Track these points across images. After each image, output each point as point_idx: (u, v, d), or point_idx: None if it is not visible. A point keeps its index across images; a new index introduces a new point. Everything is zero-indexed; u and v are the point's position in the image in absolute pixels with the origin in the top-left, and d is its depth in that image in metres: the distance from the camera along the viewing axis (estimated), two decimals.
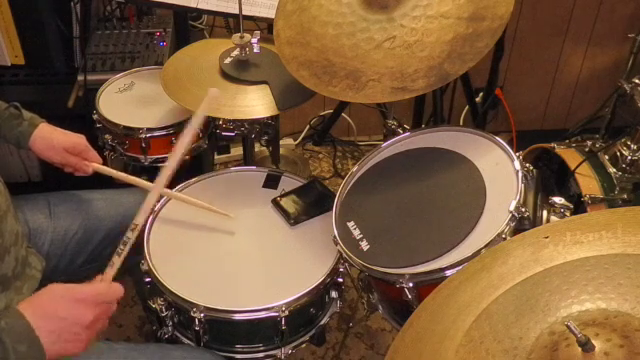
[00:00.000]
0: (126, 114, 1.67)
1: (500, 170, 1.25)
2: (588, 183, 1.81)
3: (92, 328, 0.99)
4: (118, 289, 1.02)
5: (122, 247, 1.08)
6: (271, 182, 1.55)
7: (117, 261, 1.07)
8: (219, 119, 1.69)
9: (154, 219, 1.43)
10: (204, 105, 1.13)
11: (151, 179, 1.76)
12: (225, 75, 1.57)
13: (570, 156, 1.87)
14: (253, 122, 1.68)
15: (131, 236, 1.08)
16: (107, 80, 1.80)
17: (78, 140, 1.44)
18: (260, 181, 1.55)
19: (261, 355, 1.31)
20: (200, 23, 2.47)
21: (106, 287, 1.02)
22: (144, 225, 1.40)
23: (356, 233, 1.27)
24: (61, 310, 0.97)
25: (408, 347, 0.92)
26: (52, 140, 1.41)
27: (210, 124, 1.71)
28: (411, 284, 1.15)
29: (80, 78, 1.90)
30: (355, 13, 1.37)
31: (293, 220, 1.43)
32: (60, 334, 0.96)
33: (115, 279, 1.07)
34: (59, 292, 0.99)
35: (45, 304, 0.98)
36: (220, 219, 1.44)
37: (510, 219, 1.14)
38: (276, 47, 1.44)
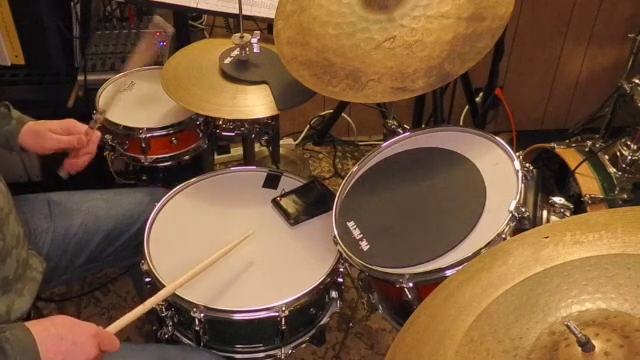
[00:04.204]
0: (126, 114, 1.67)
1: (500, 170, 1.25)
2: (588, 183, 1.81)
3: None
4: (117, 343, 1.08)
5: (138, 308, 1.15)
6: (271, 182, 1.55)
7: (129, 317, 1.12)
8: (219, 119, 1.69)
9: (154, 219, 1.43)
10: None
11: (151, 179, 1.77)
12: (225, 75, 1.57)
13: (570, 156, 1.87)
14: (253, 122, 1.68)
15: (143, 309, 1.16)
16: (107, 80, 1.80)
17: (64, 121, 1.40)
18: (260, 181, 1.55)
19: (261, 355, 1.31)
20: (200, 23, 2.47)
21: (111, 336, 1.08)
22: (144, 225, 1.41)
23: (356, 233, 1.27)
24: (77, 336, 1.02)
25: (408, 347, 0.92)
26: (37, 128, 1.37)
27: (210, 124, 1.71)
28: (411, 284, 1.15)
29: (80, 78, 1.90)
30: (355, 13, 1.37)
31: (293, 220, 1.43)
32: (65, 358, 1.00)
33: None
34: (73, 321, 1.05)
35: (61, 327, 1.03)
36: (220, 219, 1.45)
37: (510, 219, 1.14)
38: (276, 47, 1.44)
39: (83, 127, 1.41)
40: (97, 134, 1.42)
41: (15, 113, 1.40)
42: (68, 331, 1.02)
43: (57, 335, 1.01)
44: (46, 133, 1.36)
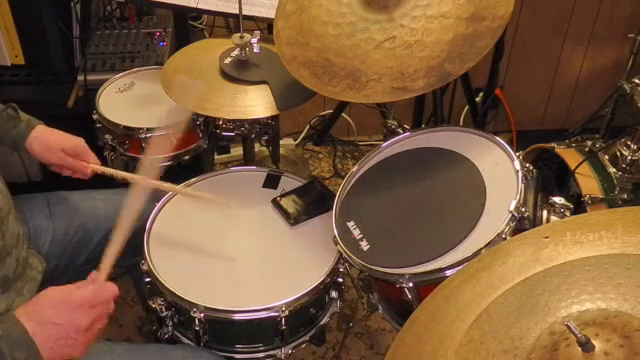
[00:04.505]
0: (126, 114, 1.67)
1: (500, 170, 1.25)
2: (588, 183, 1.81)
3: (91, 330, 0.99)
4: (112, 288, 1.04)
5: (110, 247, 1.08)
6: (271, 182, 1.55)
7: (107, 261, 1.07)
8: (219, 119, 1.69)
9: (154, 219, 1.43)
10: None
11: None
12: (225, 75, 1.57)
13: (570, 156, 1.87)
14: (253, 122, 1.68)
15: (116, 236, 1.08)
16: (107, 80, 1.80)
17: (76, 142, 1.42)
18: (260, 181, 1.55)
19: (261, 355, 1.31)
20: (200, 23, 2.47)
21: (100, 288, 1.03)
22: (144, 225, 1.41)
23: (356, 233, 1.27)
24: (56, 316, 0.97)
25: (408, 347, 0.92)
26: (49, 141, 1.39)
27: (210, 124, 1.71)
28: (411, 284, 1.15)
29: (80, 78, 1.90)
30: (355, 13, 1.37)
31: (293, 220, 1.43)
32: (57, 339, 0.96)
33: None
34: (56, 297, 1.00)
35: (41, 310, 0.98)
36: (220, 219, 1.45)
37: (510, 219, 1.14)
38: (276, 47, 1.44)
39: (92, 157, 1.44)
40: (99, 169, 1.45)
41: (24, 115, 1.41)
42: (49, 314, 0.97)
43: (40, 321, 0.96)
44: (57, 151, 1.39)
